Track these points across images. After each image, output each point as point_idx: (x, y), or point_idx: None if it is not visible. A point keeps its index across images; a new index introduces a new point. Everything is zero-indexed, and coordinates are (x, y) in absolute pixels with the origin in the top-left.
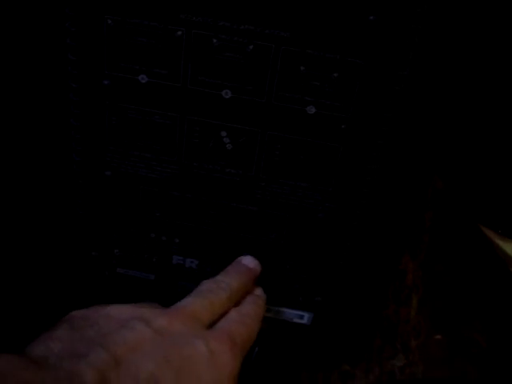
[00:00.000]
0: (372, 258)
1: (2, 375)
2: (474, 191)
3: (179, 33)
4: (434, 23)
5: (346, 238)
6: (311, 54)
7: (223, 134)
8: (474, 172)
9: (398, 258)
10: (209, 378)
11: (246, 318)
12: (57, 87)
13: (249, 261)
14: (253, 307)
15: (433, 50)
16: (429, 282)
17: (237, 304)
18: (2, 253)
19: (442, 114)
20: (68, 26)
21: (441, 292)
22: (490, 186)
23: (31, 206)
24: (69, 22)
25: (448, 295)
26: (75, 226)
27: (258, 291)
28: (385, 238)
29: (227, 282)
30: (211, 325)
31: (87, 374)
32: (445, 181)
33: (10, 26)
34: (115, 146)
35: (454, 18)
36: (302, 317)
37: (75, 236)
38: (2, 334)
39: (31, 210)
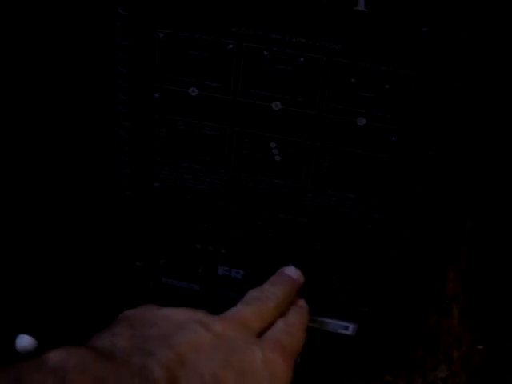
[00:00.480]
0: (418, 269)
1: (79, 369)
2: None
3: (230, 46)
4: (486, 34)
5: (394, 248)
6: (362, 65)
7: (272, 145)
8: None
9: (442, 267)
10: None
11: (293, 328)
12: (107, 100)
13: (292, 271)
14: (298, 317)
15: (485, 61)
16: (469, 291)
17: (282, 314)
18: (49, 263)
19: (492, 127)
20: (120, 40)
21: (482, 302)
22: None
23: (80, 217)
24: (120, 35)
25: (489, 305)
26: (122, 236)
27: (302, 302)
28: (430, 249)
29: (273, 291)
30: (261, 333)
31: (157, 370)
32: (483, 189)
33: (63, 40)
34: (164, 158)
35: (507, 28)
36: (346, 328)
37: (122, 246)
38: (45, 344)
39: (80, 221)
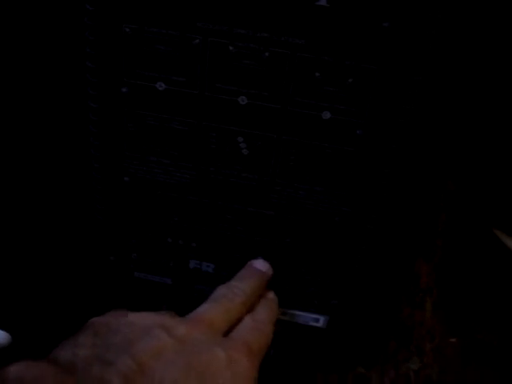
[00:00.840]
0: (387, 262)
1: (36, 381)
2: (488, 194)
3: (196, 41)
4: (447, 28)
5: (362, 241)
6: (326, 60)
7: (240, 139)
8: (487, 174)
9: (412, 260)
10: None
11: (261, 324)
12: (76, 95)
13: (261, 264)
14: (267, 312)
15: (446, 54)
16: (443, 285)
17: (250, 308)
18: (20, 259)
19: (456, 118)
20: (87, 35)
21: (455, 295)
22: (504, 189)
23: (50, 212)
24: (88, 31)
25: (463, 298)
26: (94, 231)
27: (271, 295)
28: (399, 242)
29: (241, 287)
30: (228, 331)
31: (116, 379)
32: (457, 183)
33: (30, 35)
34: (133, 153)
35: (467, 22)
36: (317, 320)
37: (93, 241)
38: (20, 339)
39: (50, 216)
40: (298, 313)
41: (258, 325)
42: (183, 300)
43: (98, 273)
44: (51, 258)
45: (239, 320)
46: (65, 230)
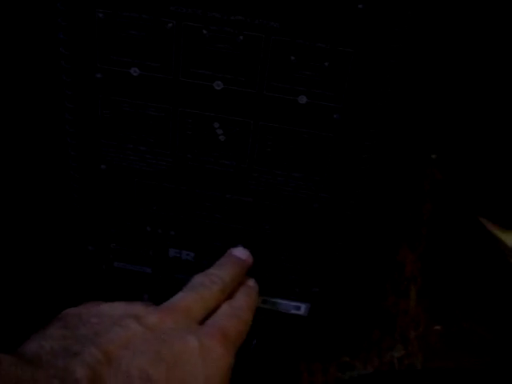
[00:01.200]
0: (369, 249)
1: None
2: (473, 183)
3: (170, 25)
4: (422, 9)
5: (342, 228)
6: (301, 43)
7: (216, 125)
8: (473, 164)
9: (394, 248)
10: (201, 372)
11: (239, 310)
12: (50, 81)
13: (240, 252)
14: (245, 299)
15: (422, 36)
16: (428, 273)
17: (229, 296)
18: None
19: (437, 103)
20: (60, 21)
21: (440, 283)
22: (490, 178)
23: (27, 202)
24: (60, 16)
25: (447, 286)
26: (71, 220)
27: (251, 282)
28: (381, 229)
29: (219, 275)
30: (204, 319)
31: (79, 371)
32: (443, 173)
33: (3, 23)
34: (109, 140)
35: (443, 3)
36: (298, 308)
37: (72, 231)
38: None
39: (27, 206)
40: (279, 301)
41: (236, 311)
42: (164, 289)
43: (76, 263)
44: (29, 249)
45: (217, 308)
46: (42, 220)
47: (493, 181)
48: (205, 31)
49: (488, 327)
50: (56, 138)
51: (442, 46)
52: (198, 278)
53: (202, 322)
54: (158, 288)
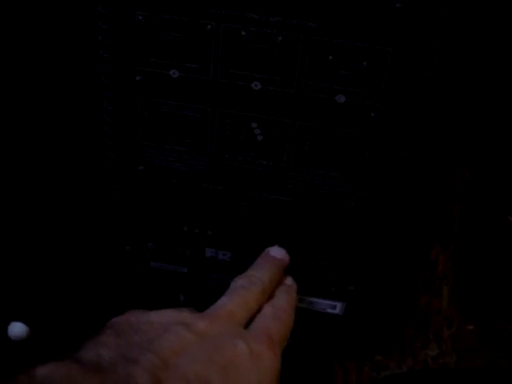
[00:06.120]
0: (403, 247)
1: (65, 381)
2: (503, 182)
3: (209, 27)
4: (460, 8)
5: (378, 226)
6: (339, 43)
7: (254, 125)
8: (502, 162)
9: (428, 247)
10: (254, 376)
11: (281, 311)
12: (90, 84)
13: (277, 251)
14: (286, 298)
15: (461, 35)
16: (459, 272)
17: (270, 296)
18: (39, 249)
19: (472, 102)
20: (100, 24)
21: (472, 283)
22: None
23: (66, 203)
24: (101, 20)
25: (479, 285)
26: (110, 221)
27: (289, 280)
28: (415, 228)
29: (258, 276)
30: (248, 322)
31: (142, 376)
32: (472, 172)
33: (44, 26)
34: (148, 141)
35: (481, 2)
36: (334, 307)
37: (110, 231)
38: (38, 332)
39: (66, 207)
40: (315, 300)
41: (278, 312)
42: (200, 289)
43: (114, 263)
44: (67, 250)
45: (259, 309)
46: (81, 220)
47: None
48: (243, 32)
49: None
50: (95, 139)
51: (479, 44)
52: (238, 281)
53: (246, 325)
54: (193, 288)
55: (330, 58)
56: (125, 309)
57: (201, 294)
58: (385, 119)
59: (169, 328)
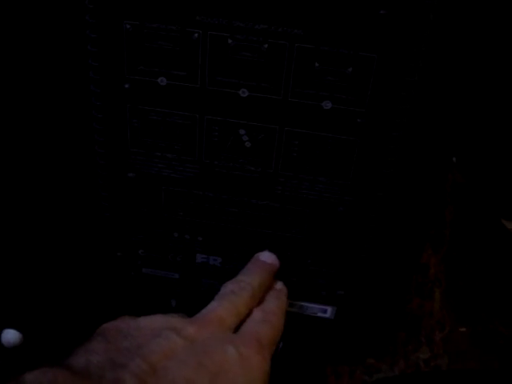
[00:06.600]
0: (393, 251)
1: None
2: (495, 185)
3: (196, 35)
4: (444, 14)
5: (367, 231)
6: (325, 50)
7: (242, 132)
8: (494, 165)
9: (419, 250)
10: (243, 380)
11: (270, 315)
12: (79, 92)
13: (267, 256)
14: (276, 303)
15: (445, 40)
16: (452, 275)
17: (260, 301)
18: (27, 259)
19: (459, 106)
20: (88, 33)
21: (464, 285)
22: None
23: (56, 210)
24: (89, 29)
25: (471, 288)
26: (100, 227)
27: (279, 285)
28: (405, 232)
29: (248, 281)
30: (238, 327)
31: (130, 380)
32: (465, 175)
33: (31, 35)
34: (137, 148)
35: (465, 8)
36: (325, 311)
37: (100, 237)
38: (31, 339)
39: (56, 214)
40: (305, 304)
41: (268, 316)
42: (191, 294)
43: (105, 269)
44: (58, 257)
45: (249, 314)
46: (71, 227)
47: None
48: (230, 40)
49: None
50: (85, 147)
51: (464, 49)
52: (228, 286)
53: (236, 329)
54: (185, 293)
55: (316, 64)
56: (117, 315)
57: (193, 299)
58: (371, 125)
59: (158, 333)
